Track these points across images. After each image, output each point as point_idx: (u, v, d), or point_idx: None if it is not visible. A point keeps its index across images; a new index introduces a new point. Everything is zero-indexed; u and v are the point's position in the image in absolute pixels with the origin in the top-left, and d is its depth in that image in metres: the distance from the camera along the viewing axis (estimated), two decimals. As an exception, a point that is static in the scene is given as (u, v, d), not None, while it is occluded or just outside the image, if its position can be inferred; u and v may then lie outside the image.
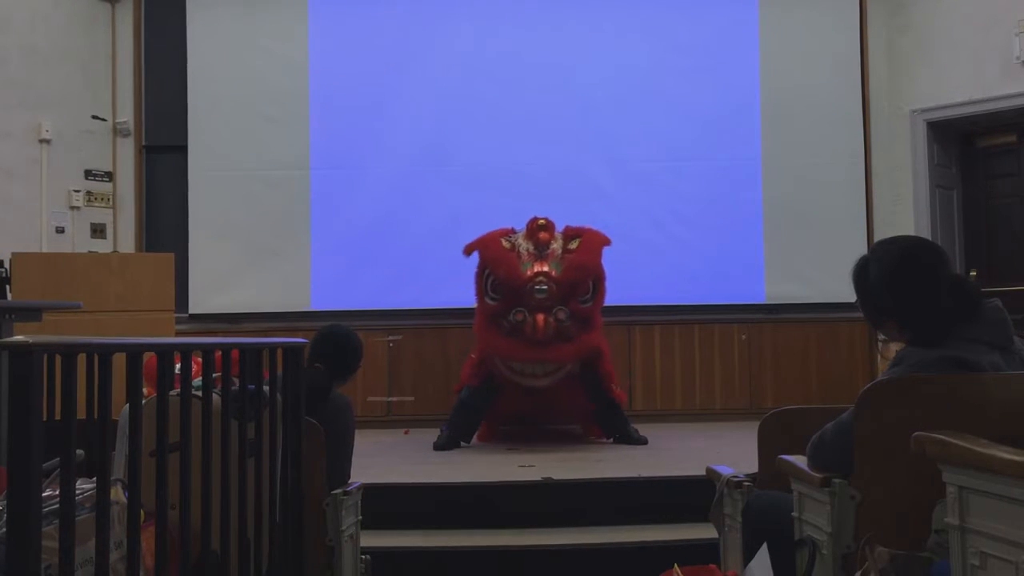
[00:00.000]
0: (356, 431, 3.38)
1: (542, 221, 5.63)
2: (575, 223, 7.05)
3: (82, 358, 1.72)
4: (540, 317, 5.31)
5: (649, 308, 7.11)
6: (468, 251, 5.65)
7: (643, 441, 5.73)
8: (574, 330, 5.44)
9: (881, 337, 2.33)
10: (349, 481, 3.17)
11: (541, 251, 5.52)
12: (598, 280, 5.57)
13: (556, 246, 5.56)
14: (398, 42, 7.23)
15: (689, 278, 7.16)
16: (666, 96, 7.24)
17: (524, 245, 5.55)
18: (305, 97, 7.17)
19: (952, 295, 2.21)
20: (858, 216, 7.25)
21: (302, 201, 7.16)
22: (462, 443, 5.76)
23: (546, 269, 5.41)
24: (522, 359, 5.44)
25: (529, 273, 5.39)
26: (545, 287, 5.34)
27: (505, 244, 5.57)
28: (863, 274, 2.34)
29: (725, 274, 7.16)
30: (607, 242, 5.68)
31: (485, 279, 5.56)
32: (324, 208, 7.16)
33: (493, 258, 5.52)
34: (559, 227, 5.71)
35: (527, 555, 3.99)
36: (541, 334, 5.30)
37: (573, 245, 5.57)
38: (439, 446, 5.65)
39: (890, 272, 2.29)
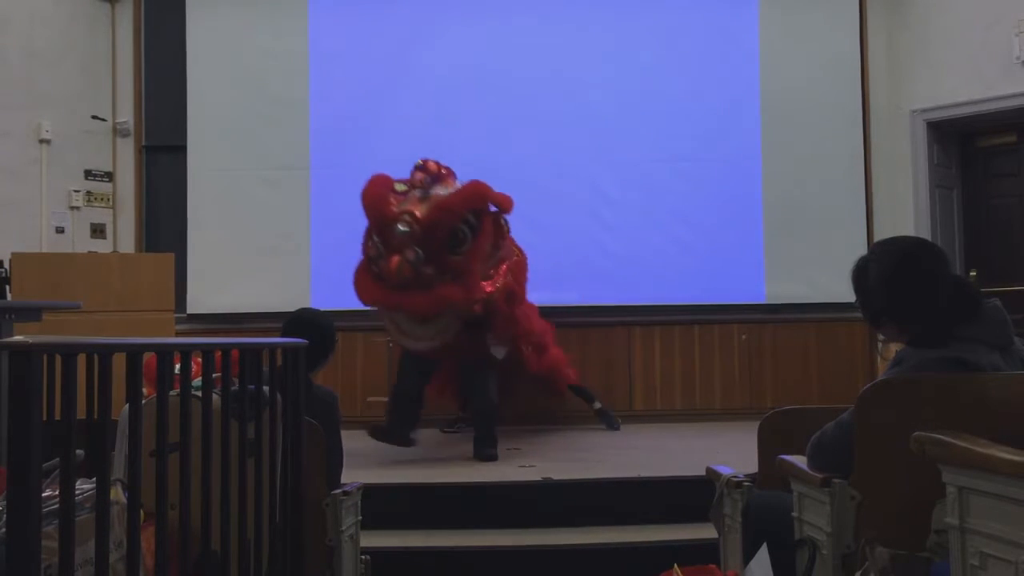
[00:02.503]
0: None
1: (420, 161, 5.34)
2: (575, 224, 7.11)
3: (82, 358, 1.72)
4: (394, 258, 4.92)
5: (649, 308, 7.11)
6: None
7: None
8: (435, 280, 5.00)
9: (881, 337, 2.33)
10: (343, 482, 3.16)
11: (423, 194, 5.13)
12: (473, 228, 5.13)
13: (440, 190, 5.16)
14: (398, 42, 7.23)
15: (689, 278, 7.16)
16: (666, 96, 7.24)
17: (415, 191, 5.19)
18: (305, 97, 7.17)
19: (952, 296, 2.21)
20: (858, 216, 7.25)
21: (302, 201, 7.16)
22: (410, 440, 5.42)
23: (414, 209, 4.99)
24: (377, 302, 5.14)
25: (395, 211, 5.01)
26: (407, 228, 4.92)
27: (399, 187, 5.19)
28: (863, 275, 2.34)
29: (725, 274, 7.16)
30: (486, 191, 5.28)
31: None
32: (324, 208, 7.15)
33: (365, 192, 5.17)
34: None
35: (527, 555, 4.00)
36: (394, 276, 4.92)
37: (449, 187, 5.23)
38: (377, 434, 5.39)
39: (890, 273, 2.29)
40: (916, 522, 1.91)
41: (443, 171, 5.37)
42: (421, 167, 5.32)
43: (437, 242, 4.98)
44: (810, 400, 6.68)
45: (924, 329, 2.22)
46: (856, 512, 2.09)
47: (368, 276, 5.15)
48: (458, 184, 5.31)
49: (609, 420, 6.48)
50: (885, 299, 2.29)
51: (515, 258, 5.72)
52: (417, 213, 4.96)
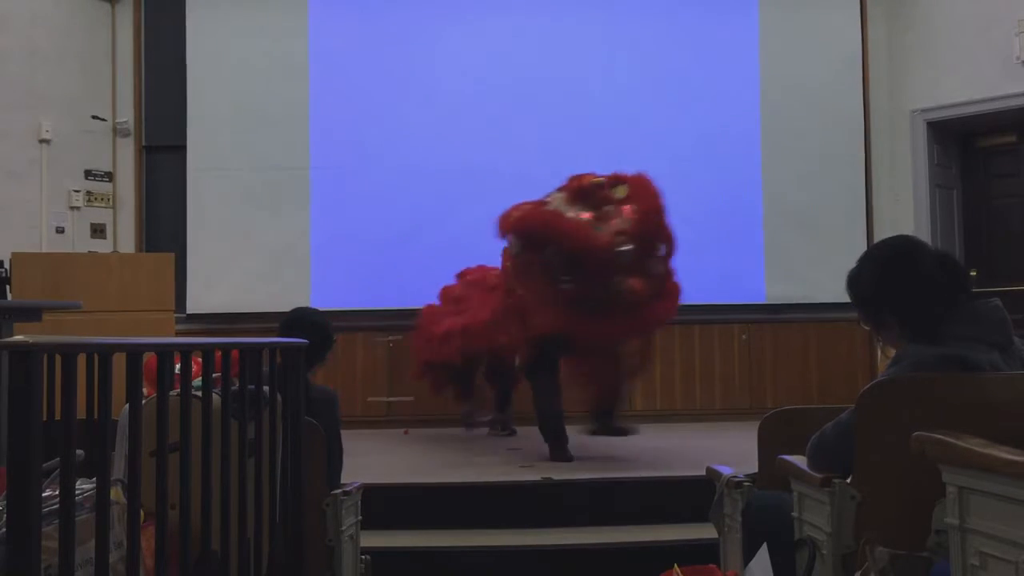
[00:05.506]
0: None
1: (598, 178, 4.87)
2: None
3: (82, 358, 1.72)
4: (636, 281, 4.55)
5: (649, 308, 7.10)
6: (509, 229, 4.88)
7: (631, 431, 5.21)
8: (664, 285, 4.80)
9: (880, 342, 2.41)
10: (343, 482, 3.16)
11: (597, 209, 4.74)
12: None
13: (612, 197, 4.81)
14: (398, 42, 7.23)
15: (689, 278, 7.12)
16: (667, 96, 7.24)
17: (568, 210, 4.75)
18: (305, 97, 7.18)
19: (940, 274, 2.23)
20: (858, 216, 7.26)
21: (302, 201, 7.16)
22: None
23: (618, 226, 4.62)
24: (634, 332, 4.74)
25: (606, 237, 4.58)
26: (628, 246, 4.55)
27: (582, 215, 4.73)
28: (856, 281, 2.37)
29: (725, 274, 7.16)
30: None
31: (549, 261, 4.71)
32: (324, 208, 7.16)
33: (563, 231, 4.64)
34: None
35: (527, 555, 4.00)
36: (643, 297, 4.59)
37: (621, 193, 4.80)
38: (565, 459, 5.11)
39: (881, 267, 2.33)
40: (916, 522, 1.91)
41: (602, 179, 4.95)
42: (601, 183, 4.87)
43: (653, 252, 4.74)
44: (810, 400, 6.68)
45: (922, 315, 2.23)
46: (856, 512, 2.09)
47: (586, 316, 4.59)
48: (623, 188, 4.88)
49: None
50: (881, 295, 2.31)
51: None
52: (625, 228, 4.60)
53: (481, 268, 6.08)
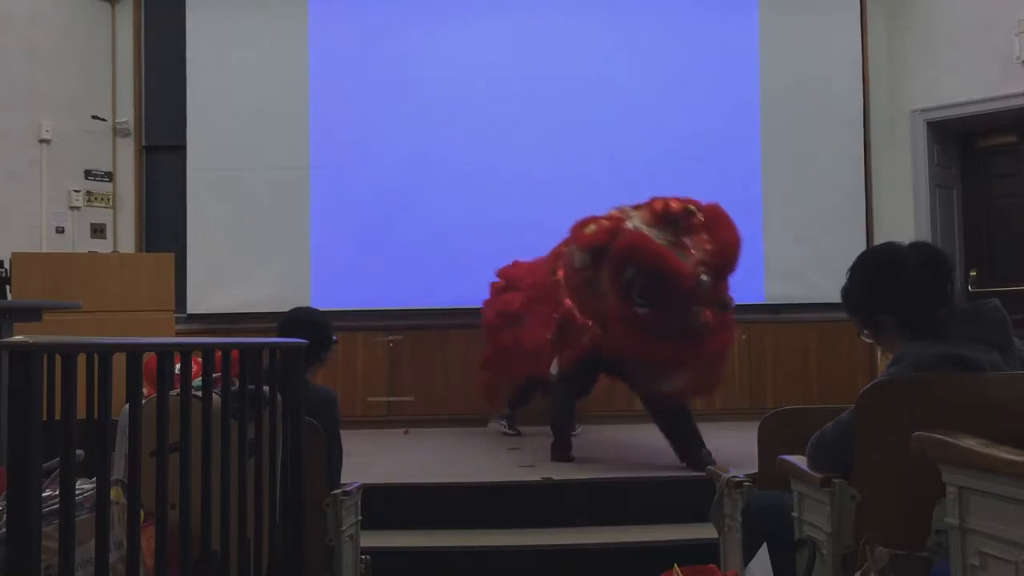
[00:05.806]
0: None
1: (691, 206, 4.76)
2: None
3: (82, 358, 1.72)
4: (709, 313, 4.53)
5: (649, 308, 7.09)
6: (594, 242, 4.75)
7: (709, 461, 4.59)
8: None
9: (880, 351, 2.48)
10: (343, 482, 3.16)
11: (676, 235, 4.65)
12: None
13: (690, 225, 4.75)
14: (398, 42, 7.23)
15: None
16: (666, 96, 7.24)
17: (649, 231, 4.63)
18: (305, 97, 7.17)
19: (928, 273, 2.26)
20: (858, 216, 7.25)
21: (302, 201, 7.15)
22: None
23: (699, 256, 4.59)
24: (695, 363, 4.63)
25: (690, 266, 4.53)
26: (707, 277, 4.53)
27: (658, 237, 4.66)
28: (849, 293, 2.41)
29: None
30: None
31: (628, 283, 4.59)
32: (324, 208, 7.16)
33: (655, 254, 4.53)
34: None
35: (527, 555, 4.00)
36: (712, 329, 4.56)
37: (698, 219, 4.75)
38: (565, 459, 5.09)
39: (870, 273, 2.36)
40: (916, 522, 1.91)
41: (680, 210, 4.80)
42: (693, 212, 4.77)
43: (723, 281, 4.72)
44: (810, 400, 6.68)
45: (919, 314, 2.23)
46: (856, 512, 2.09)
47: (658, 340, 4.50)
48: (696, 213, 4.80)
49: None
50: (868, 293, 2.35)
51: None
52: (704, 259, 4.59)
53: (525, 266, 5.94)
